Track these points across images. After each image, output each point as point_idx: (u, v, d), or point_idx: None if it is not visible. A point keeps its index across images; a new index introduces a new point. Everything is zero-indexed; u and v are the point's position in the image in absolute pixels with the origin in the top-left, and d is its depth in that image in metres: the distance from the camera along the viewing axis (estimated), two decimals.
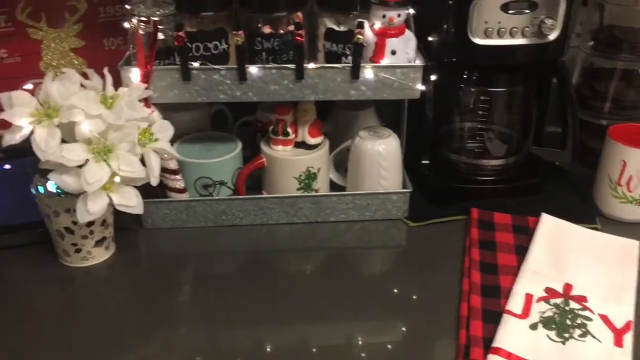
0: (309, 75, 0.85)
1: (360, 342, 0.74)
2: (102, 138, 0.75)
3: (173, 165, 0.89)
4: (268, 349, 0.72)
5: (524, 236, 0.89)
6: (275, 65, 0.85)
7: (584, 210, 0.95)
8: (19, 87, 0.98)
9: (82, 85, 0.77)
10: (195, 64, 0.84)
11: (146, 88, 0.82)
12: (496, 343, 0.70)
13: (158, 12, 0.82)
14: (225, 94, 0.85)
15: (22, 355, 0.71)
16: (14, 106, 0.74)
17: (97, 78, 0.79)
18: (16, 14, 0.97)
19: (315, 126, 0.94)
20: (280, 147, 0.94)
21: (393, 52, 0.85)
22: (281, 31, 0.89)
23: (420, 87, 0.86)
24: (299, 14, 0.89)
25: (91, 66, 0.99)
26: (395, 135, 0.94)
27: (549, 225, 0.90)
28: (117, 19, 1.01)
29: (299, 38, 0.81)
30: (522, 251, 0.86)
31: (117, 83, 0.82)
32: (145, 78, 0.83)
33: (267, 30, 0.89)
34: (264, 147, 0.95)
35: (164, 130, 0.82)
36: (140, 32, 0.82)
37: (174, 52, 0.84)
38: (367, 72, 0.85)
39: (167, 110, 0.96)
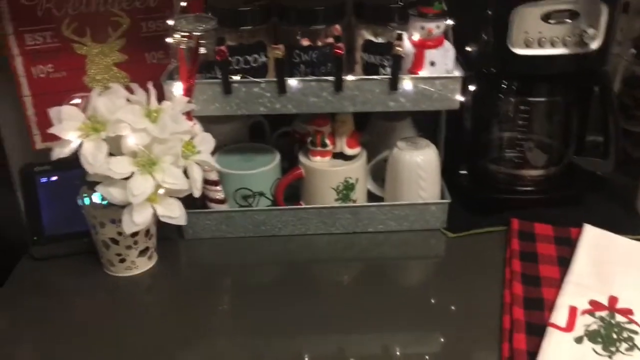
0: (348, 87, 0.85)
1: (398, 353, 0.74)
2: (147, 151, 0.77)
3: (214, 176, 0.91)
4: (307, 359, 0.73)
5: (567, 247, 0.88)
6: (314, 77, 0.86)
7: (628, 220, 0.94)
8: (65, 101, 1.02)
9: (127, 99, 0.79)
10: (236, 78, 0.85)
11: (188, 102, 0.84)
12: (541, 357, 0.69)
13: (200, 27, 0.83)
14: (265, 106, 0.87)
15: None
16: (63, 120, 0.76)
17: (141, 92, 0.81)
18: (62, 29, 0.99)
19: (353, 137, 0.95)
20: (318, 158, 0.95)
21: (432, 64, 0.85)
22: (319, 43, 0.90)
23: (460, 97, 0.86)
24: (337, 26, 0.90)
25: (134, 80, 1.01)
26: (433, 146, 0.94)
27: (591, 236, 0.89)
28: (158, 33, 1.03)
29: (338, 51, 0.82)
30: (564, 263, 0.85)
31: (160, 97, 0.84)
32: (188, 92, 0.84)
33: (305, 42, 0.90)
34: (302, 158, 0.96)
35: (206, 142, 0.84)
36: (183, 47, 0.84)
37: (215, 66, 0.86)
38: (406, 84, 0.85)
39: (207, 122, 0.98)
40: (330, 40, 0.89)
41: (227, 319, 0.81)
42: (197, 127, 0.86)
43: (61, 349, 0.75)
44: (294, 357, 0.73)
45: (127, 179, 0.76)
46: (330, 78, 0.85)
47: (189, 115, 0.85)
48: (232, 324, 0.79)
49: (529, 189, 0.98)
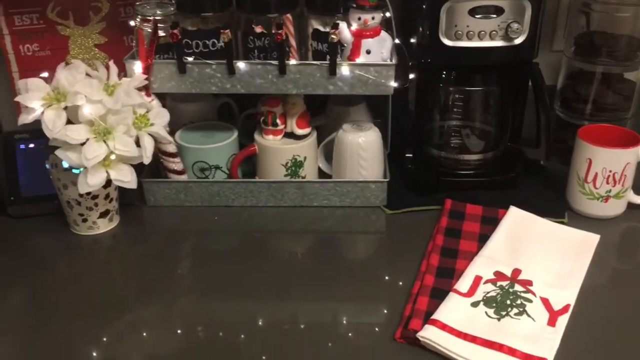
0: (291, 71, 0.94)
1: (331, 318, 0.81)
2: (102, 121, 0.87)
3: (171, 148, 1.00)
4: (259, 322, 0.80)
5: (491, 226, 0.95)
6: (260, 61, 0.94)
7: (555, 205, 1.00)
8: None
9: (88, 74, 0.88)
10: (190, 59, 0.94)
11: (146, 79, 0.93)
12: (435, 315, 0.76)
13: (159, 12, 0.93)
14: (216, 86, 0.95)
15: (35, 311, 0.83)
16: (29, 91, 0.86)
17: (103, 69, 0.90)
18: (47, 12, 1.10)
19: (303, 118, 1.03)
20: (270, 136, 1.04)
21: (368, 52, 0.93)
22: (273, 31, 0.98)
23: (393, 84, 0.94)
24: (289, 15, 0.98)
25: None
26: (376, 129, 1.02)
27: (515, 217, 0.95)
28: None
29: (279, 37, 0.90)
30: (485, 239, 0.92)
31: (125, 75, 0.94)
32: (146, 70, 0.94)
33: (259, 30, 0.98)
34: (256, 137, 1.05)
35: (160, 116, 0.93)
36: (143, 29, 0.94)
37: (173, 48, 0.95)
38: (344, 69, 0.93)
39: (177, 100, 1.08)
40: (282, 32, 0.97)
41: (183, 280, 0.89)
42: (155, 102, 0.95)
43: (23, 298, 0.85)
44: (245, 319, 0.80)
45: (83, 144, 0.86)
46: (274, 62, 0.93)
47: (147, 91, 0.94)
48: (188, 284, 0.88)
49: (468, 172, 1.05)
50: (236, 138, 1.05)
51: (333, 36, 0.90)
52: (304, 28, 1.03)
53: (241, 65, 0.94)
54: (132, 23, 0.95)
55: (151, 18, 0.93)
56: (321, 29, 0.99)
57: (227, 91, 0.96)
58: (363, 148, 1.00)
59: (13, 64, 1.12)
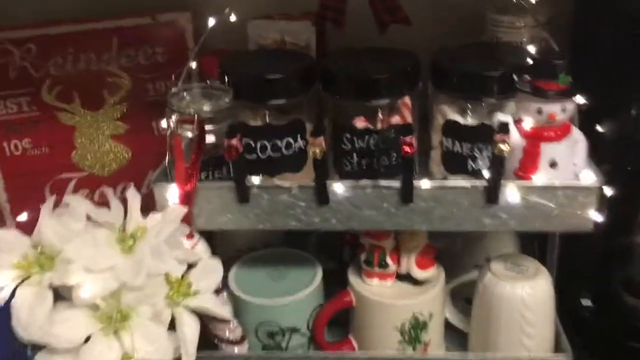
0: (421, 197, 0.57)
1: None
2: (113, 299, 0.51)
3: (225, 313, 0.64)
4: None
5: None
6: (370, 182, 0.58)
7: None
8: (46, 185, 0.78)
9: (90, 218, 0.53)
10: (256, 180, 0.59)
11: (187, 212, 0.57)
12: None
13: (206, 108, 0.57)
14: (297, 220, 0.59)
15: None
16: None
17: (117, 205, 0.55)
18: (42, 94, 0.76)
19: (427, 254, 0.67)
20: (375, 281, 0.67)
21: (552, 164, 0.56)
22: (380, 125, 0.62)
23: (595, 216, 0.56)
24: (407, 99, 0.62)
25: (137, 156, 0.78)
26: (545, 271, 0.64)
27: None
28: None
29: (407, 149, 0.54)
30: None
31: (151, 203, 0.59)
32: (187, 199, 0.58)
33: (361, 123, 0.62)
34: (352, 279, 0.68)
35: (209, 273, 0.57)
36: (182, 134, 0.58)
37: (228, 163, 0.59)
38: (511, 194, 0.56)
39: None
40: (397, 120, 0.61)
41: None
42: (200, 247, 0.59)
43: None
44: None
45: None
46: (395, 184, 0.57)
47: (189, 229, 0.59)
48: None
49: None
50: (321, 283, 0.69)
51: (502, 146, 0.53)
52: (427, 113, 0.66)
53: (339, 189, 0.57)
54: (163, 124, 0.59)
55: (194, 117, 0.57)
56: (459, 119, 0.62)
57: (315, 226, 0.60)
58: (528, 307, 0.63)
59: None
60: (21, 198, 0.79)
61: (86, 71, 0.76)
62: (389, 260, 0.65)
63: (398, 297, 0.66)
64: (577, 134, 0.57)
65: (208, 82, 0.64)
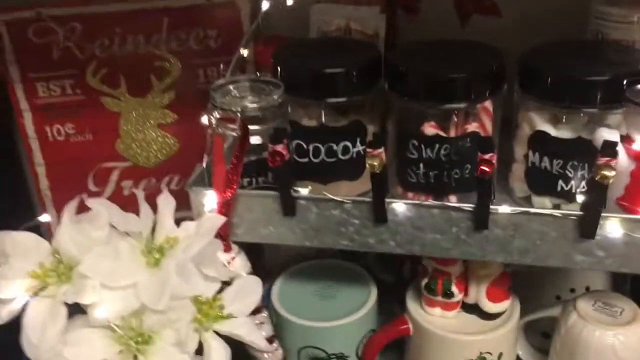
0: (499, 223, 0.48)
1: None
2: (135, 319, 0.45)
3: (266, 331, 0.57)
4: None
5: None
6: (437, 203, 0.49)
7: None
8: (89, 174, 0.73)
9: (113, 226, 0.47)
10: (304, 191, 0.51)
11: (224, 222, 0.50)
12: None
13: (251, 106, 0.50)
14: (350, 239, 0.51)
15: None
16: (9, 258, 0.46)
17: (147, 210, 0.48)
18: (87, 77, 0.71)
19: (500, 284, 0.57)
20: (437, 310, 0.59)
21: None
22: (453, 133, 0.53)
23: None
24: (488, 104, 0.52)
25: (185, 148, 0.72)
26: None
27: None
28: None
29: (485, 169, 0.44)
30: None
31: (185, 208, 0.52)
32: (226, 207, 0.51)
33: (430, 130, 0.53)
34: (411, 306, 0.60)
35: (246, 294, 0.50)
36: (224, 133, 0.51)
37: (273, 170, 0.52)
38: (612, 228, 0.46)
39: None
40: (474, 127, 0.52)
41: None
42: (239, 261, 0.52)
43: None
44: None
45: None
46: (468, 206, 0.48)
47: (226, 241, 0.52)
48: None
49: None
50: (375, 305, 0.61)
51: (606, 172, 0.42)
52: (514, 121, 0.56)
53: (399, 207, 0.49)
54: (204, 120, 0.52)
55: (237, 114, 0.50)
56: (551, 131, 0.52)
57: (369, 248, 0.52)
58: (621, 356, 0.52)
59: (36, 154, 0.73)
60: (63, 186, 0.75)
61: (134, 54, 0.70)
62: (454, 288, 0.57)
63: (463, 332, 0.57)
64: None
65: (259, 74, 0.56)
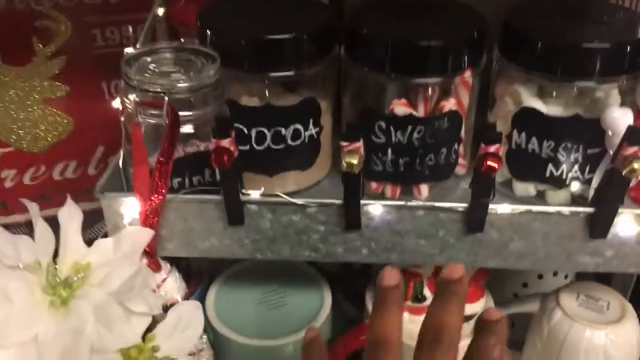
0: (495, 225, 0.40)
1: None
2: None
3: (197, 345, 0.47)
4: None
5: None
6: (425, 204, 0.40)
7: None
8: None
9: None
10: (254, 194, 0.40)
11: (153, 236, 0.39)
12: None
13: (182, 85, 0.38)
14: (313, 249, 0.41)
15: None
16: None
17: (44, 230, 0.36)
18: None
19: (476, 282, 0.50)
20: (405, 316, 0.50)
21: None
22: (423, 111, 0.44)
23: None
24: (467, 76, 0.44)
25: (81, 129, 0.59)
26: (631, 309, 0.49)
27: None
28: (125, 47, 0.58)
29: (492, 164, 0.35)
30: None
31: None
32: (152, 216, 0.39)
33: (401, 109, 0.43)
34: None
35: (185, 327, 0.39)
36: (144, 121, 0.39)
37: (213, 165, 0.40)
38: (627, 225, 0.39)
39: None
40: (452, 104, 0.43)
41: None
42: (171, 283, 0.41)
43: None
44: None
45: None
46: (458, 205, 0.39)
47: (151, 259, 0.40)
48: None
49: None
50: (330, 314, 0.52)
51: (636, 164, 0.35)
52: (496, 96, 0.48)
53: (376, 210, 0.40)
54: (115, 104, 0.40)
55: (164, 96, 0.38)
56: (541, 108, 0.44)
57: (338, 259, 0.42)
58: (611, 356, 0.47)
59: None
60: None
61: (9, 11, 0.55)
62: (427, 292, 0.49)
63: None
64: None
65: (182, 40, 0.44)
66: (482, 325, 0.31)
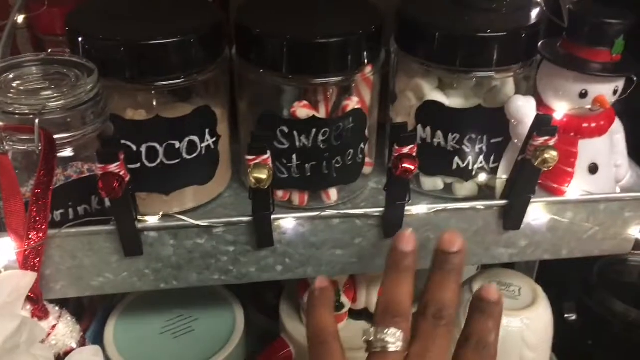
0: (411, 226, 0.38)
1: None
2: None
3: None
4: None
5: None
6: (339, 212, 0.38)
7: None
8: None
9: None
10: (152, 219, 0.36)
11: (36, 279, 0.34)
12: None
13: (55, 103, 0.33)
14: (223, 272, 0.38)
15: None
16: None
17: None
18: None
19: None
20: None
21: (593, 168, 0.40)
22: (324, 112, 0.41)
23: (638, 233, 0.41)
24: (368, 72, 0.42)
25: None
26: (542, 292, 0.50)
27: None
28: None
29: (409, 167, 0.34)
30: None
31: None
32: (34, 256, 0.34)
33: (303, 111, 0.41)
34: (289, 325, 0.49)
35: None
36: (11, 149, 0.33)
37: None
38: (538, 214, 0.39)
39: None
40: (355, 103, 0.41)
41: None
42: (62, 328, 0.36)
43: None
44: None
45: None
46: (376, 211, 0.37)
47: (36, 305, 0.35)
48: None
49: None
50: (244, 336, 0.49)
51: (547, 155, 0.34)
52: (397, 85, 0.46)
53: (288, 224, 0.37)
54: None
55: (33, 119, 0.32)
56: (443, 100, 0.43)
57: (250, 280, 0.39)
58: (530, 344, 0.48)
59: None
60: None
61: None
62: (344, 299, 0.47)
63: (359, 346, 0.48)
64: (618, 125, 0.41)
65: (50, 51, 0.38)
66: (480, 304, 0.31)
